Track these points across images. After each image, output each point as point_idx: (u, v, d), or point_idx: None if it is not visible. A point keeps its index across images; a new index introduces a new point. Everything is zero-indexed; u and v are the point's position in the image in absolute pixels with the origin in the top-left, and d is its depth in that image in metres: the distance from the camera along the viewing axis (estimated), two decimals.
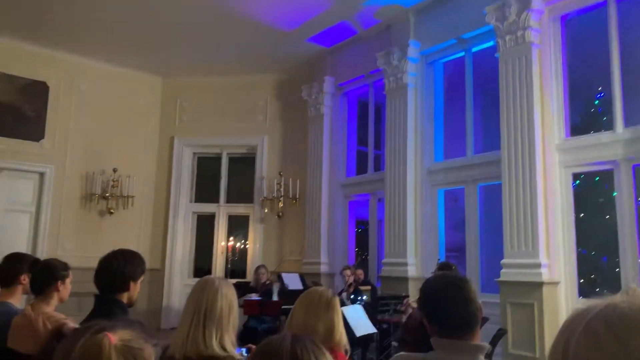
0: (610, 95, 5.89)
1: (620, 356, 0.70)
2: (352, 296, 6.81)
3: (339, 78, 9.03)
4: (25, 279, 3.15)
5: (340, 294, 6.80)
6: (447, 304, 1.77)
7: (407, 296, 6.69)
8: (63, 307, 3.02)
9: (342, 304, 5.68)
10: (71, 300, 3.34)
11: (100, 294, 2.54)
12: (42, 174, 9.00)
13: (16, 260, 3.24)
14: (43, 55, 9.04)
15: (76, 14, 7.83)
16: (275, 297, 7.34)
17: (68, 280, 2.97)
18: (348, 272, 7.35)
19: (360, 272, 7.55)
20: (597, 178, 7.32)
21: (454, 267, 5.12)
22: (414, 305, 5.57)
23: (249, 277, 9.36)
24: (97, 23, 8.11)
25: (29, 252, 6.83)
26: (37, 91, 9.02)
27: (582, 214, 6.44)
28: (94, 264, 2.60)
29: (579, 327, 0.75)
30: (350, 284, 7.18)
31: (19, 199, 8.84)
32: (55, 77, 9.19)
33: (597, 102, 7.71)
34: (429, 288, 1.89)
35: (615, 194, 5.77)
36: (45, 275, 2.90)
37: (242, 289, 7.94)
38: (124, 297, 2.54)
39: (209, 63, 9.57)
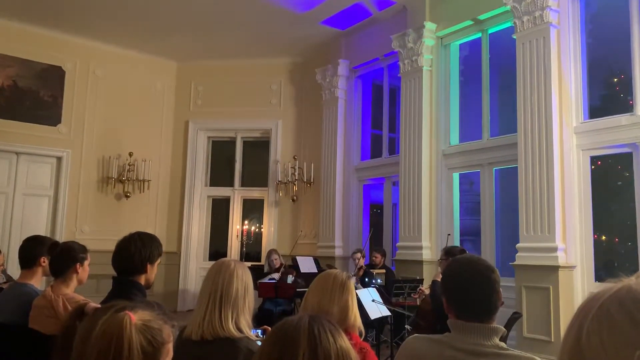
0: (630, 77, 5.78)
1: (633, 337, 0.70)
2: (364, 279, 6.79)
3: (353, 61, 8.96)
4: (45, 261, 3.21)
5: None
6: (471, 291, 1.76)
7: (422, 280, 6.71)
8: (81, 289, 3.07)
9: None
10: (89, 282, 3.40)
11: (118, 276, 2.57)
12: (59, 159, 9.10)
13: (36, 243, 3.30)
14: (59, 40, 9.09)
15: None
16: None
17: (86, 263, 3.02)
18: (359, 255, 7.24)
19: (376, 255, 7.49)
20: (616, 161, 7.21)
21: (460, 250, 5.09)
22: (427, 292, 5.58)
23: (264, 260, 9.42)
24: (112, 8, 8.12)
25: (48, 235, 6.94)
26: (54, 76, 9.08)
27: (600, 198, 6.35)
28: (112, 246, 2.63)
29: (593, 309, 0.74)
30: (360, 267, 7.08)
31: (37, 183, 8.96)
32: (71, 61, 9.24)
33: (616, 84, 7.56)
34: (455, 271, 1.85)
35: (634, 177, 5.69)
36: (64, 257, 2.95)
37: (257, 274, 7.92)
38: (142, 279, 2.57)
39: (223, 47, 9.55)
